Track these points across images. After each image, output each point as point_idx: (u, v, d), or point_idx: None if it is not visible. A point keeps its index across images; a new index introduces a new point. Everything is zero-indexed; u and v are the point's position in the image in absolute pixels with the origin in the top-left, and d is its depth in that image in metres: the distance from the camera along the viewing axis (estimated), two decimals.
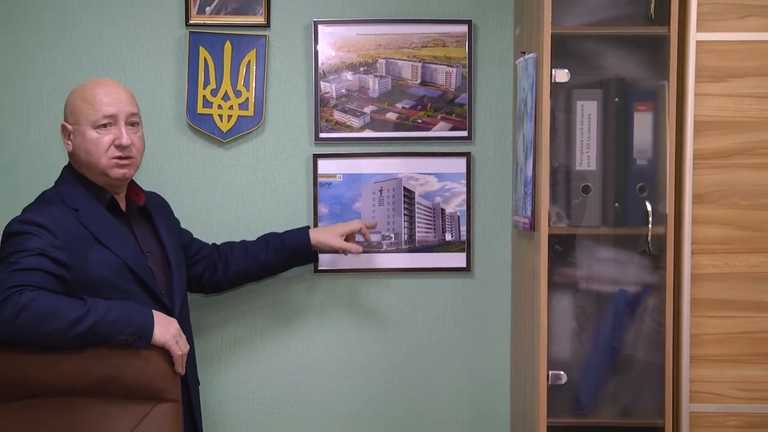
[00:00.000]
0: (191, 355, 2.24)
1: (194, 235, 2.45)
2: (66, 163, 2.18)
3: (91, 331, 1.88)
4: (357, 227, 2.48)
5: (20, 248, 1.93)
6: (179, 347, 1.98)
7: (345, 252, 2.48)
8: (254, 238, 2.53)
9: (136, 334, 1.93)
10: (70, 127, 2.10)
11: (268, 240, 2.47)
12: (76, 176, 2.12)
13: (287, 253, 2.45)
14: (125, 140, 2.07)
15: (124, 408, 1.96)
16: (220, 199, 2.59)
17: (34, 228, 1.96)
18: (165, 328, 1.97)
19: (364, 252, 2.52)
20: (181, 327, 2.08)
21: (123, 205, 2.15)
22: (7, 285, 1.85)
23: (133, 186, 2.20)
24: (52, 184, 2.25)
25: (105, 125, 2.06)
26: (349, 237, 2.48)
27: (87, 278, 1.98)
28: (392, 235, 2.59)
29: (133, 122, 2.11)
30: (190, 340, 2.23)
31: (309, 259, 2.51)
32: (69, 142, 2.10)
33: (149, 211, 2.21)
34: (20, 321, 1.83)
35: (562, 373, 2.22)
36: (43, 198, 2.11)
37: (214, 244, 2.47)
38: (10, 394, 1.93)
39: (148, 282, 2.07)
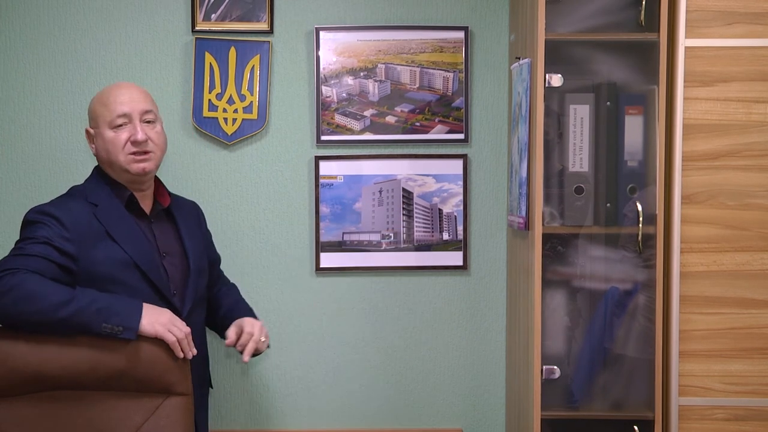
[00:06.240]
0: (203, 359, 2.25)
1: None
2: (93, 165, 2.21)
3: (74, 317, 1.90)
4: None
5: (29, 236, 1.98)
6: (172, 334, 1.96)
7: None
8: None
9: (121, 324, 1.92)
10: (92, 131, 2.15)
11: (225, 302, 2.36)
12: (102, 175, 2.15)
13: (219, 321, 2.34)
14: (140, 136, 2.09)
15: (136, 401, 1.98)
16: (225, 199, 2.62)
17: (47, 218, 2.01)
18: (154, 318, 1.96)
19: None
20: (193, 330, 2.06)
21: (147, 205, 2.17)
22: (5, 267, 1.91)
23: (159, 187, 2.23)
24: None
25: (121, 125, 2.10)
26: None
27: (93, 271, 2.01)
28: (392, 235, 2.62)
29: (149, 119, 2.13)
30: (203, 344, 2.23)
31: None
32: (93, 146, 2.16)
33: (174, 214, 2.23)
34: (6, 299, 1.88)
35: (555, 367, 2.26)
36: (69, 192, 2.15)
37: (217, 287, 2.40)
38: (27, 387, 1.95)
39: (156, 281, 2.08)
